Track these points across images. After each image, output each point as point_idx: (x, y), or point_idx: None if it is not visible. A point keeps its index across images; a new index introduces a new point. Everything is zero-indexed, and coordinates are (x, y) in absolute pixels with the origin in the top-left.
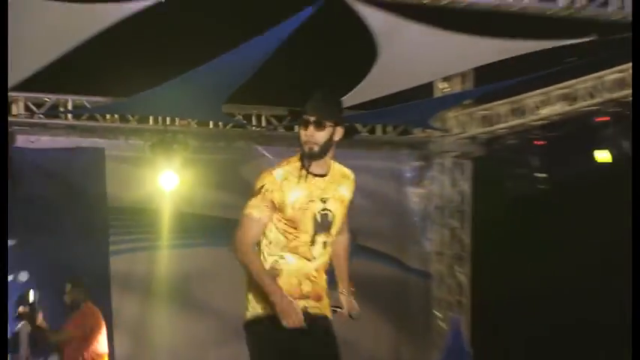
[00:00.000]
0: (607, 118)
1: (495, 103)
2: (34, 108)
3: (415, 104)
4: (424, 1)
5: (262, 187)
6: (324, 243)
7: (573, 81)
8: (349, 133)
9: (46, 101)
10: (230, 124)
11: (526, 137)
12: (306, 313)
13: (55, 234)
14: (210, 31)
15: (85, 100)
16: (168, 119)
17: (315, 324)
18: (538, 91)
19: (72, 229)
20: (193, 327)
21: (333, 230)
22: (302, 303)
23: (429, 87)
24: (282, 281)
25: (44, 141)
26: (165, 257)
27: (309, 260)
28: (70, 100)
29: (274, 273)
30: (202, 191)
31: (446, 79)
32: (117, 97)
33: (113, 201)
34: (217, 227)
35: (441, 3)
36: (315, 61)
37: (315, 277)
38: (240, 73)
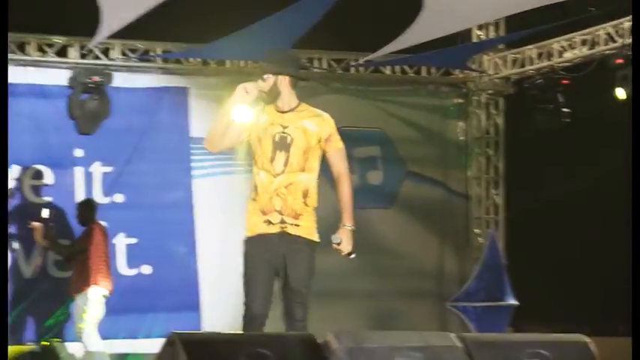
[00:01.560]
0: (622, 61)
1: (525, 47)
2: (129, 53)
3: (455, 48)
4: None
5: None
6: (285, 161)
7: (594, 28)
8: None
9: (139, 47)
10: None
11: (552, 77)
12: (284, 233)
13: (146, 160)
14: None
15: (171, 45)
16: (242, 62)
17: (289, 243)
18: (563, 37)
19: (159, 156)
20: None
21: (294, 150)
22: (278, 217)
23: (467, 33)
24: (258, 197)
25: (137, 81)
26: (242, 180)
27: (273, 176)
28: (160, 47)
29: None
30: None
31: (481, 26)
32: (199, 43)
33: (195, 132)
34: None
35: None
36: (368, 11)
37: (284, 193)
38: (304, 22)
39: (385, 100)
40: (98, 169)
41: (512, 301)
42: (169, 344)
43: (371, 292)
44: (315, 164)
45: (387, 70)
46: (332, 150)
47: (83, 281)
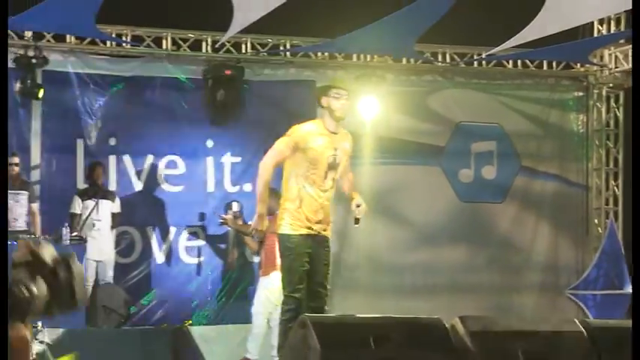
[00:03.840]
0: None
1: None
2: (259, 47)
3: (576, 43)
4: None
5: (289, 133)
6: (333, 179)
7: None
8: None
9: (269, 42)
10: (420, 61)
11: None
12: (316, 234)
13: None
14: None
15: (299, 40)
16: (369, 56)
17: (320, 243)
18: None
19: None
20: (389, 233)
21: (339, 169)
22: (317, 227)
23: (588, 27)
24: (304, 208)
25: (267, 74)
26: (366, 172)
27: (322, 192)
28: (288, 41)
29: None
30: (397, 118)
31: (602, 20)
32: (326, 37)
33: None
34: (409, 148)
35: None
36: (491, 6)
37: (325, 206)
38: (428, 17)
39: (506, 94)
40: (228, 159)
41: (631, 290)
42: (301, 326)
43: (490, 285)
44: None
45: (509, 64)
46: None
47: (270, 265)
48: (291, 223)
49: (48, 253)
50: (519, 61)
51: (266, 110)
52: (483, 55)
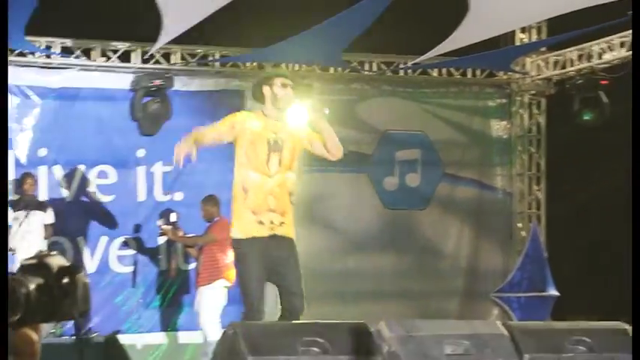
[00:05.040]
0: None
1: (566, 49)
2: (188, 57)
3: (499, 51)
4: None
5: (229, 116)
6: (279, 162)
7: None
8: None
9: (198, 52)
10: (347, 70)
11: (592, 78)
12: (273, 235)
13: (204, 160)
14: None
15: (228, 50)
16: (297, 66)
17: (281, 245)
18: (602, 39)
19: (216, 155)
20: (317, 241)
21: (285, 153)
22: (269, 216)
23: (510, 36)
24: (250, 198)
25: (196, 84)
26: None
27: (268, 177)
28: (218, 51)
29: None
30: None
31: (524, 29)
32: (256, 47)
33: None
34: None
35: None
36: (416, 16)
37: (275, 192)
38: (356, 27)
39: (431, 102)
40: (159, 168)
41: (554, 292)
42: (230, 333)
43: (416, 291)
44: (297, 164)
45: (434, 73)
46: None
47: (210, 273)
48: (240, 225)
49: (55, 261)
50: (444, 70)
51: (196, 120)
52: (409, 64)
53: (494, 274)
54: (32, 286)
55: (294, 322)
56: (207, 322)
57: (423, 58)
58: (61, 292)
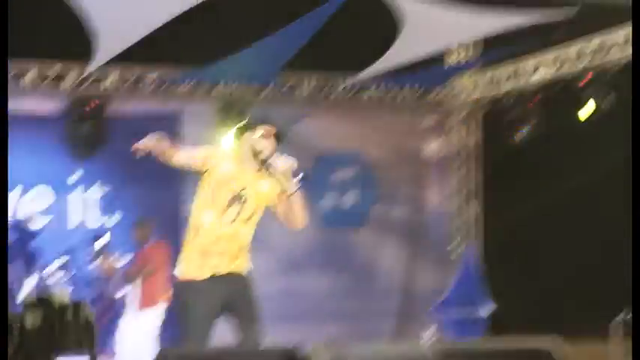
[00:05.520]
0: (585, 81)
1: (499, 67)
2: (124, 78)
3: (433, 70)
4: None
5: (207, 147)
6: (238, 213)
7: (561, 50)
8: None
9: (134, 73)
10: (283, 89)
11: (524, 96)
12: (224, 275)
13: (138, 183)
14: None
15: (165, 71)
16: (233, 86)
17: (234, 282)
18: (534, 58)
19: (151, 179)
20: (253, 261)
21: (247, 209)
22: (217, 261)
23: (444, 55)
24: (199, 239)
25: (132, 106)
26: None
27: (223, 222)
28: (155, 72)
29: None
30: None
31: (458, 48)
32: (193, 67)
33: None
34: None
35: None
36: (350, 36)
37: (228, 237)
38: (293, 45)
39: (367, 122)
40: (95, 191)
41: (488, 310)
42: (161, 358)
43: (352, 311)
44: (256, 218)
45: (370, 92)
46: (281, 207)
47: (151, 298)
48: (184, 265)
49: (57, 298)
50: (379, 89)
51: (131, 142)
52: (345, 83)
53: (429, 294)
54: (30, 321)
55: (224, 346)
56: (140, 346)
57: (356, 78)
58: (63, 326)
